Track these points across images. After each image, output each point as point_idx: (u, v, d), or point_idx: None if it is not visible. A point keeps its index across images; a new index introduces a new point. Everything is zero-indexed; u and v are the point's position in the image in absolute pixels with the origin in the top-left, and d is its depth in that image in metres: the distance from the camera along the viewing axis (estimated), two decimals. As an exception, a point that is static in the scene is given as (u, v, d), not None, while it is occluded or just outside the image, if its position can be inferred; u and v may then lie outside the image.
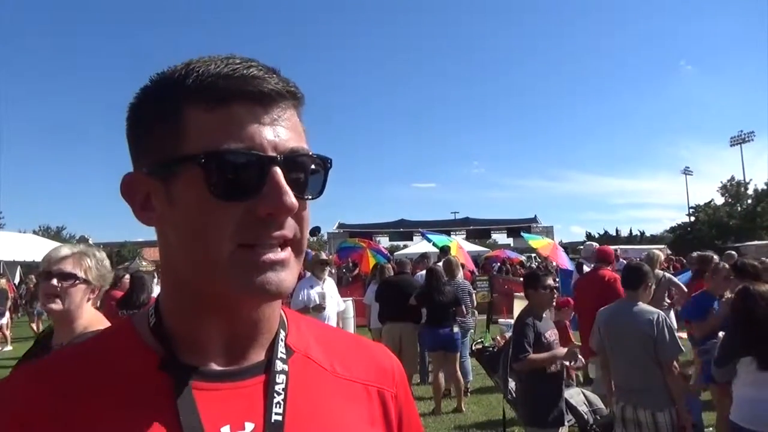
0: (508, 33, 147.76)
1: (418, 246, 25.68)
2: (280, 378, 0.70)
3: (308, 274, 6.96)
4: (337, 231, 41.18)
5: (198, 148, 0.62)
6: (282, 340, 0.74)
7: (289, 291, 0.67)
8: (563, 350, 4.16)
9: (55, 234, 51.37)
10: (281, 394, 0.69)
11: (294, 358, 0.74)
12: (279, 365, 0.71)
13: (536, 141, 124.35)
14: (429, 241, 14.46)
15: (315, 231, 22.64)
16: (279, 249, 0.65)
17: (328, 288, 6.76)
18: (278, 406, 0.68)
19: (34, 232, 41.35)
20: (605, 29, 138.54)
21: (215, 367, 0.68)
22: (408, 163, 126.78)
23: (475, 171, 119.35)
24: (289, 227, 0.65)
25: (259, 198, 0.62)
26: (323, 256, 7.25)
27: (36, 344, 2.23)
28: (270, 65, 0.67)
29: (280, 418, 0.67)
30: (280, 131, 0.65)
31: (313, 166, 0.68)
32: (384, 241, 40.48)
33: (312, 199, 0.69)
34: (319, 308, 6.41)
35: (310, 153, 0.68)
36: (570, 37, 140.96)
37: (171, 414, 0.63)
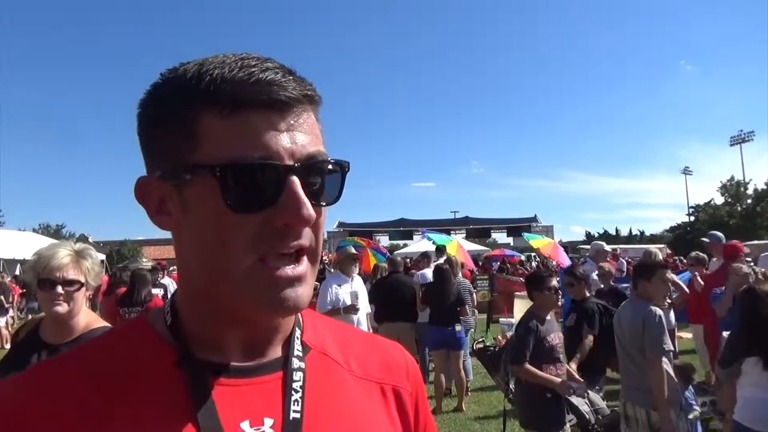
0: (509, 32, 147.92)
1: (418, 245, 25.66)
2: (297, 375, 0.70)
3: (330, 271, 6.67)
4: (336, 230, 41.27)
5: (212, 158, 0.60)
6: (298, 337, 0.74)
7: (306, 305, 0.66)
8: (558, 380, 4.05)
9: (55, 232, 51.42)
10: (299, 391, 0.68)
11: (311, 355, 0.74)
12: (296, 362, 0.71)
13: (536, 140, 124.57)
14: (429, 239, 14.44)
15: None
16: (296, 262, 0.64)
17: (357, 287, 6.33)
18: (296, 403, 0.67)
19: (34, 231, 41.32)
20: (605, 29, 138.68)
21: (233, 363, 0.68)
22: (408, 163, 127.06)
23: (474, 170, 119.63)
24: (306, 236, 0.64)
25: (276, 208, 0.61)
26: (351, 250, 6.80)
27: (23, 340, 2.21)
28: (286, 65, 0.65)
29: (298, 415, 0.67)
30: (297, 137, 0.63)
31: (330, 171, 0.67)
32: (384, 240, 40.57)
33: (329, 204, 0.68)
34: (352, 309, 5.99)
35: (328, 158, 0.66)
36: (570, 36, 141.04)
37: (189, 410, 0.63)
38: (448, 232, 21.89)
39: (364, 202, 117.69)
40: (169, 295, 1.76)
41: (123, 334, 0.73)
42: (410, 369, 0.84)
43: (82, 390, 0.63)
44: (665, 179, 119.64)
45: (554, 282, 4.34)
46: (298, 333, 0.74)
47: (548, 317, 4.27)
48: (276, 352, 0.71)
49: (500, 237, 51.32)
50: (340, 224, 43.63)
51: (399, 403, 0.79)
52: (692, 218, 47.97)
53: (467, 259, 12.93)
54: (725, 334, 4.18)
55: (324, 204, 0.67)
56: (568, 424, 4.21)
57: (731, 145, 52.24)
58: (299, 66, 0.66)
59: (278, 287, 0.62)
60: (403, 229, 44.53)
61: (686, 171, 54.69)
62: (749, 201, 43.83)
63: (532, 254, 23.57)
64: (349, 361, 0.77)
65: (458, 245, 12.89)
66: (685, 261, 13.95)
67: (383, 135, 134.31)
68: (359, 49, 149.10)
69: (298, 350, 0.72)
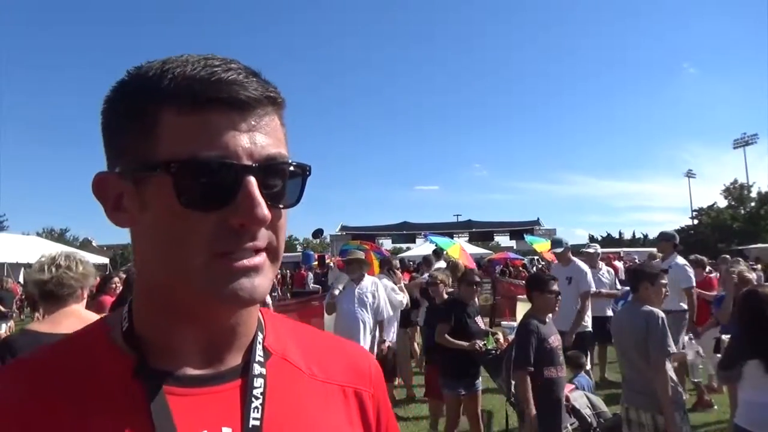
0: (512, 35, 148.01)
1: (420, 248, 25.66)
2: (258, 382, 0.69)
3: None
4: (339, 233, 41.22)
5: (170, 154, 0.60)
6: (260, 342, 0.73)
7: (264, 297, 0.65)
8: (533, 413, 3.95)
9: (59, 236, 51.55)
10: (259, 398, 0.68)
11: (271, 361, 0.73)
12: (257, 369, 0.70)
13: (539, 144, 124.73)
14: (432, 243, 14.42)
15: (318, 233, 22.64)
16: (253, 254, 0.63)
17: (365, 289, 6.17)
18: (256, 410, 0.66)
19: (38, 234, 41.46)
20: (608, 31, 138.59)
21: (191, 371, 0.67)
22: (411, 166, 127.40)
23: (477, 174, 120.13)
24: (263, 237, 0.64)
25: (231, 208, 0.61)
26: (359, 255, 6.64)
27: None
28: (251, 67, 0.65)
29: (257, 423, 0.66)
30: (257, 138, 0.63)
31: (290, 174, 0.67)
32: (387, 244, 40.53)
33: (288, 207, 0.68)
34: (330, 308, 6.02)
35: (288, 160, 0.66)
36: (573, 38, 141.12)
37: (144, 421, 0.61)
38: (451, 236, 21.83)
39: (366, 205, 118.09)
40: None
41: (79, 341, 0.70)
42: (373, 373, 0.84)
43: (34, 405, 0.61)
44: (668, 182, 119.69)
45: (556, 285, 4.34)
46: (260, 338, 0.73)
47: (547, 320, 4.27)
48: (236, 358, 0.70)
49: (503, 240, 51.23)
50: (343, 227, 43.59)
51: (360, 406, 0.79)
52: (696, 221, 47.90)
53: (470, 262, 12.91)
54: (725, 337, 4.17)
55: (283, 206, 0.66)
56: (569, 428, 4.20)
57: (735, 148, 52.35)
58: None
59: (233, 277, 0.61)
60: (406, 232, 44.40)
61: (689, 174, 54.78)
62: (753, 204, 43.77)
63: (535, 257, 23.50)
64: (311, 365, 0.77)
65: (461, 248, 12.88)
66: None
67: (386, 138, 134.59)
68: (362, 52, 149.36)
69: (259, 356, 0.71)
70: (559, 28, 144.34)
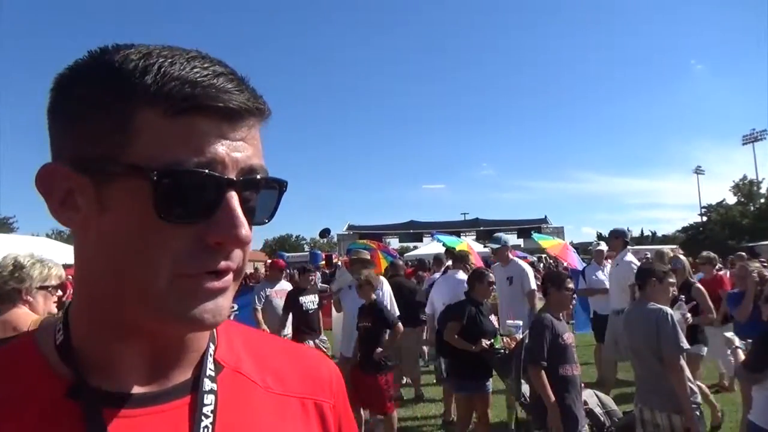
0: (518, 34, 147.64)
1: (428, 247, 25.63)
2: (209, 398, 0.63)
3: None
4: (346, 233, 41.33)
5: (150, 158, 0.54)
6: (211, 355, 0.67)
7: (225, 318, 0.60)
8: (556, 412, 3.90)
9: (68, 237, 51.80)
10: (209, 417, 0.62)
11: (223, 375, 0.67)
12: (207, 384, 0.64)
13: (546, 142, 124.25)
14: (440, 241, 14.41)
15: (325, 233, 22.63)
16: (220, 277, 0.58)
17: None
18: (206, 429, 0.61)
19: (47, 236, 41.64)
20: (614, 29, 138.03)
21: (134, 390, 0.60)
22: (417, 165, 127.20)
23: (484, 172, 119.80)
24: (236, 258, 0.59)
25: (210, 223, 0.56)
26: (364, 254, 6.65)
27: None
28: (238, 71, 0.61)
29: None
30: (243, 149, 0.58)
31: (268, 189, 0.63)
32: (394, 243, 40.61)
33: (262, 224, 0.64)
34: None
35: (268, 175, 0.62)
36: (579, 37, 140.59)
37: None
38: (458, 234, 21.86)
39: (373, 205, 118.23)
40: None
41: (3, 359, 0.63)
42: (333, 381, 0.79)
43: None
44: (677, 179, 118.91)
45: (571, 283, 4.31)
46: (211, 350, 0.68)
47: (560, 317, 4.24)
48: (185, 374, 0.64)
49: (510, 238, 51.10)
50: (350, 227, 43.70)
51: (321, 419, 0.74)
52: (705, 218, 47.67)
53: (478, 261, 12.88)
54: (727, 334, 4.13)
55: (258, 223, 0.63)
56: (585, 428, 4.17)
57: (743, 144, 51.98)
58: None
59: (199, 299, 0.57)
60: (413, 231, 44.50)
61: (698, 171, 54.44)
62: (762, 200, 43.47)
63: (543, 255, 23.43)
64: (266, 377, 0.71)
65: (468, 247, 12.85)
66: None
67: (393, 137, 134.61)
68: (369, 51, 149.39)
69: (210, 370, 0.66)
70: (565, 28, 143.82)
